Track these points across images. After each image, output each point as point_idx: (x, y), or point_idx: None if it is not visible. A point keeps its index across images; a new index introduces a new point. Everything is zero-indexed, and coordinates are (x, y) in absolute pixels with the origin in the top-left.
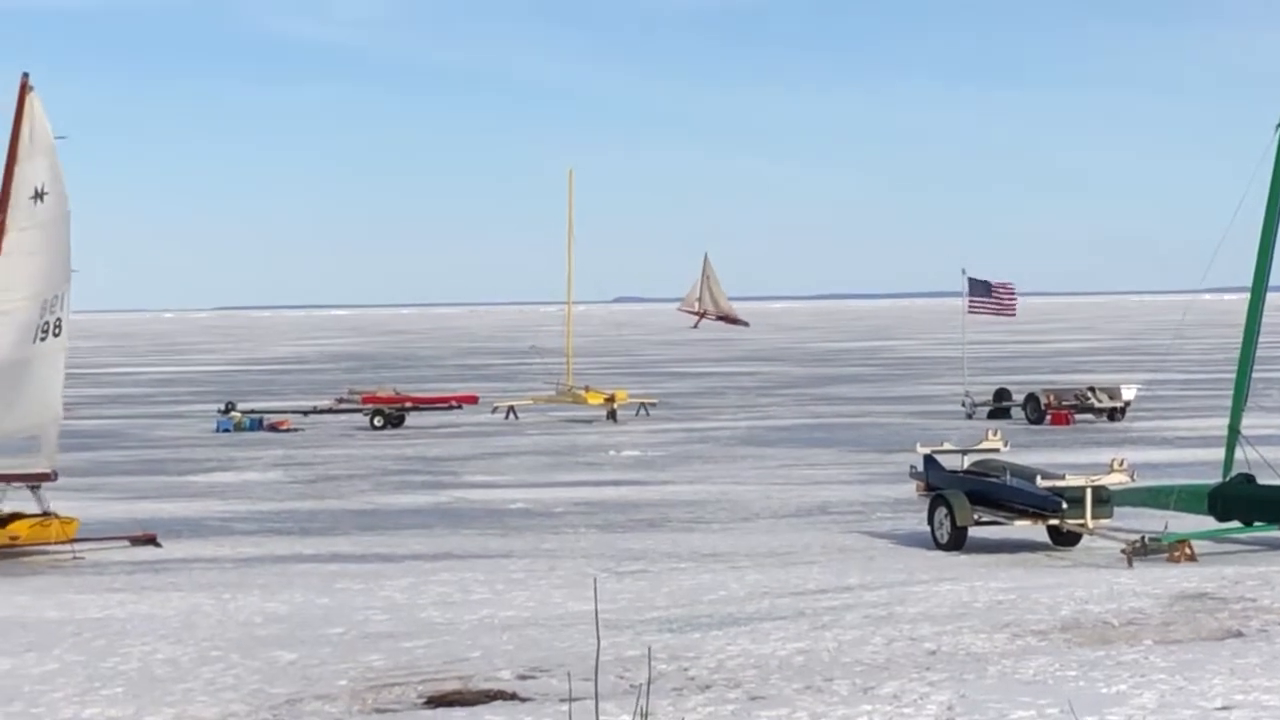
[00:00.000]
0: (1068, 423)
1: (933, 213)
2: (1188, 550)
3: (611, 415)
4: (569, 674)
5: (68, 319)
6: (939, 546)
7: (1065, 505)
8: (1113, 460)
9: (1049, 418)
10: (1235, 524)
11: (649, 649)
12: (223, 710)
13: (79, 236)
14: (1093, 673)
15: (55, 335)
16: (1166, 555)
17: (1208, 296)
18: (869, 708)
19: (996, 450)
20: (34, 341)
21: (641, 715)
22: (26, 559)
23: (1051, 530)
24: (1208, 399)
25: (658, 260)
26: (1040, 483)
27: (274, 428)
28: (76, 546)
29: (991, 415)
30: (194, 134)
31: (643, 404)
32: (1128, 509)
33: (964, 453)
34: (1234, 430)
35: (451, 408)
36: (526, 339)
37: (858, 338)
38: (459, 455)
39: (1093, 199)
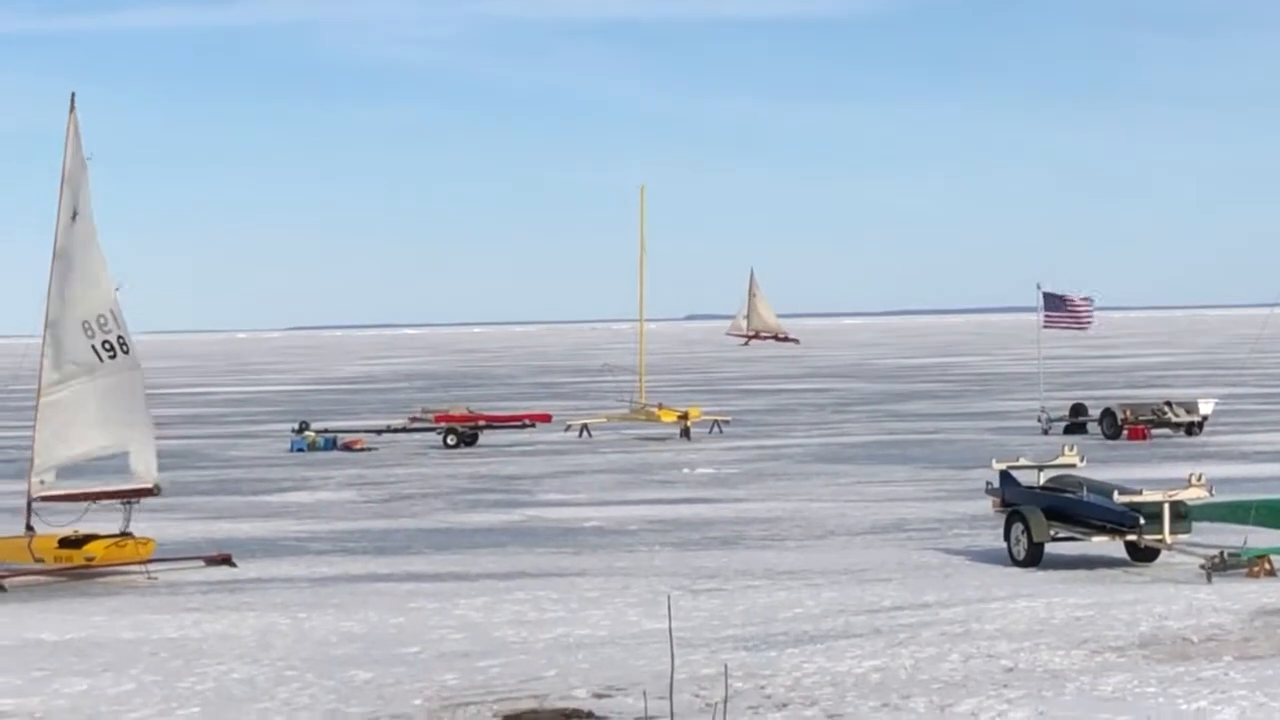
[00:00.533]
0: (1145, 438)
1: (1008, 227)
2: (1267, 565)
3: (685, 433)
4: (644, 692)
5: (129, 336)
6: (1015, 563)
7: (1143, 521)
8: (1190, 475)
9: (1126, 433)
10: None
11: (725, 667)
12: None
13: (153, 258)
14: (1172, 689)
15: (125, 353)
16: (1246, 570)
17: None
18: None
19: (1073, 465)
20: (101, 360)
21: None
22: (103, 579)
23: (1129, 546)
24: None
25: (730, 277)
26: (1117, 498)
27: (347, 447)
28: (152, 567)
29: (1067, 430)
30: (266, 156)
31: (716, 421)
32: (1206, 524)
33: (1040, 468)
34: None
35: (525, 426)
36: (599, 357)
37: (931, 354)
38: (532, 474)
39: (1170, 212)
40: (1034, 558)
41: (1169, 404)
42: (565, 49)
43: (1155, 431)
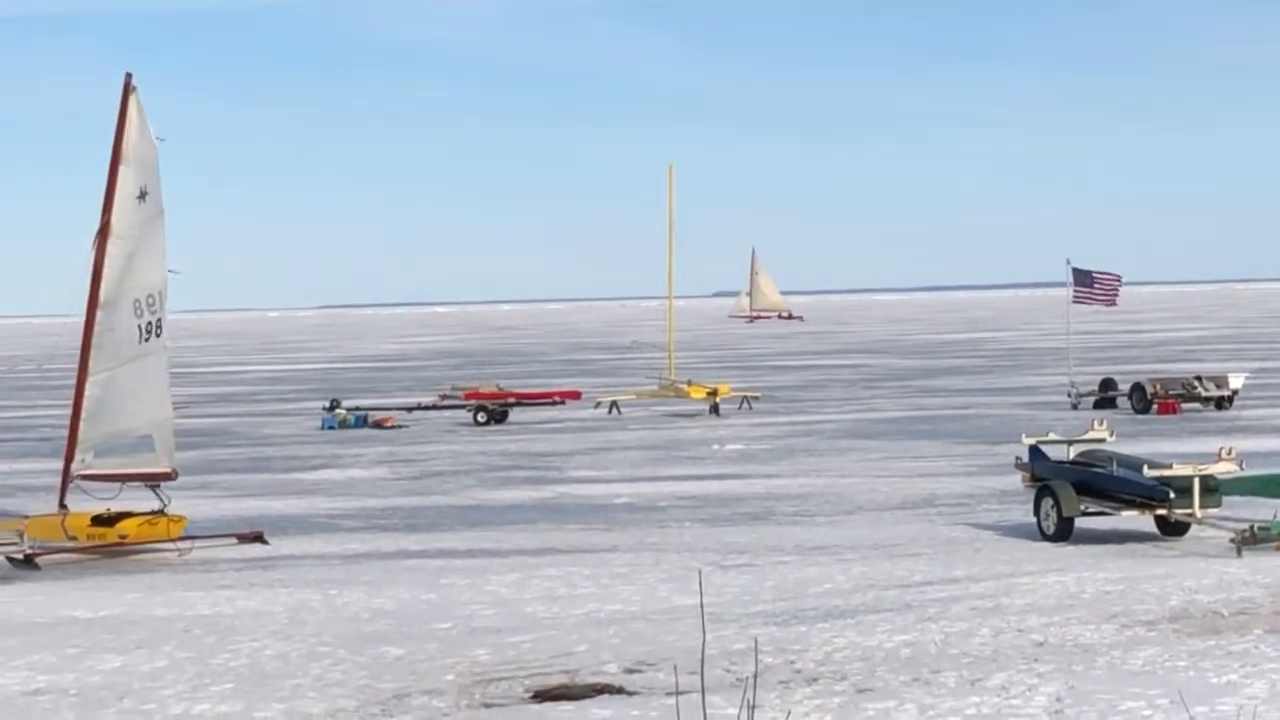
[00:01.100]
0: (1175, 412)
1: (1038, 203)
2: None
3: (715, 409)
4: (675, 667)
5: (166, 319)
6: (1045, 537)
7: (1173, 495)
8: (1221, 449)
9: (1155, 407)
10: None
11: (755, 642)
12: (331, 705)
13: (187, 237)
14: (1203, 663)
15: (158, 335)
16: (1276, 544)
17: None
18: (977, 699)
19: (1102, 440)
20: (140, 342)
21: (748, 708)
22: (136, 557)
23: (1159, 520)
24: None
25: (767, 253)
26: (1147, 472)
27: (378, 425)
28: (184, 544)
29: (1097, 405)
30: (298, 134)
31: (746, 398)
32: (1236, 498)
33: (1070, 443)
34: None
35: (554, 403)
36: (628, 334)
37: (961, 329)
38: (563, 450)
39: (1201, 186)
40: (1064, 532)
41: (1199, 378)
42: (595, 26)
43: (1185, 406)
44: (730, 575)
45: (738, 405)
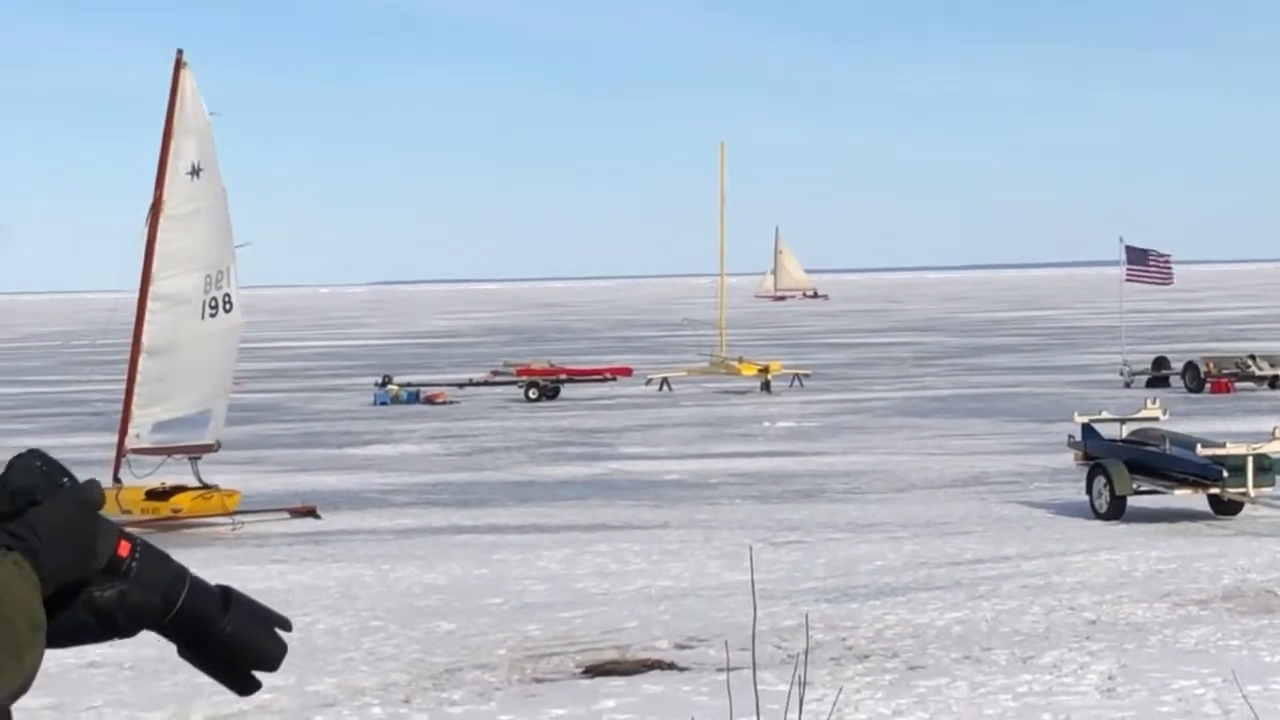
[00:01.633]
0: (1228, 391)
1: (1091, 181)
2: None
3: (765, 386)
4: (726, 643)
5: (236, 295)
6: (1098, 516)
7: (1226, 474)
8: (1275, 428)
9: (1209, 386)
10: None
11: (806, 618)
12: (383, 679)
13: (239, 213)
14: (1255, 642)
15: (226, 311)
16: None
17: None
18: (1028, 677)
19: (1155, 419)
20: (202, 318)
21: (799, 684)
22: (189, 531)
23: (1212, 499)
24: None
25: (810, 232)
26: (1200, 451)
27: (430, 400)
28: (237, 518)
29: (1150, 384)
30: (349, 111)
31: (797, 375)
32: None
33: (1122, 421)
34: None
35: (606, 379)
36: (680, 311)
37: (1013, 308)
38: (614, 427)
39: (1255, 163)
40: (1116, 511)
41: (1253, 357)
42: (647, 2)
43: (1239, 385)
44: (781, 552)
45: (789, 382)
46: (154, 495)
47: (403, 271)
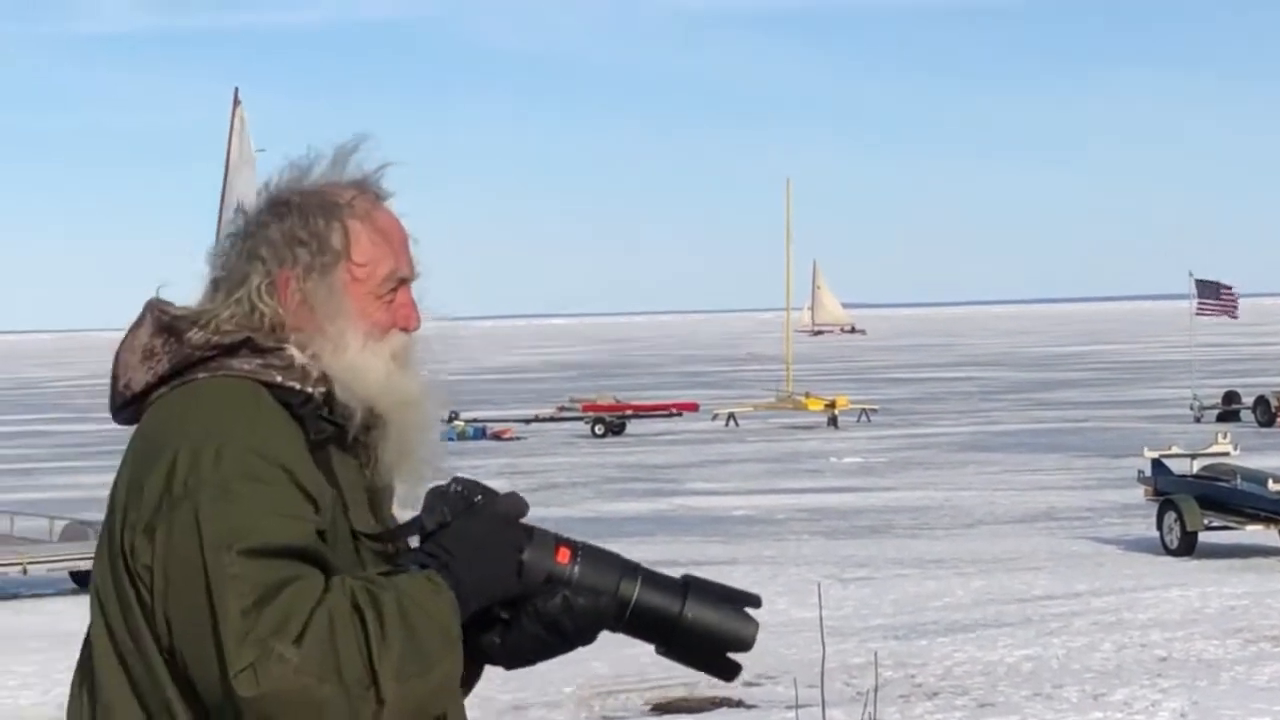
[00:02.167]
0: None
1: (1155, 213)
2: None
3: (832, 421)
4: (795, 680)
5: None
6: (1168, 552)
7: None
8: None
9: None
10: None
11: (875, 655)
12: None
13: None
14: None
15: None
16: None
17: None
18: (1100, 715)
19: (1226, 454)
20: None
21: None
22: None
23: None
24: None
25: (877, 266)
26: (1272, 486)
27: (496, 436)
28: None
29: (1220, 418)
30: (414, 146)
31: (864, 410)
32: None
33: (1193, 456)
34: None
35: (672, 415)
36: (745, 346)
37: (1081, 341)
38: (680, 462)
39: None
40: (1187, 547)
41: None
42: (717, 37)
43: None
44: (849, 588)
45: (855, 417)
46: None
47: (469, 307)
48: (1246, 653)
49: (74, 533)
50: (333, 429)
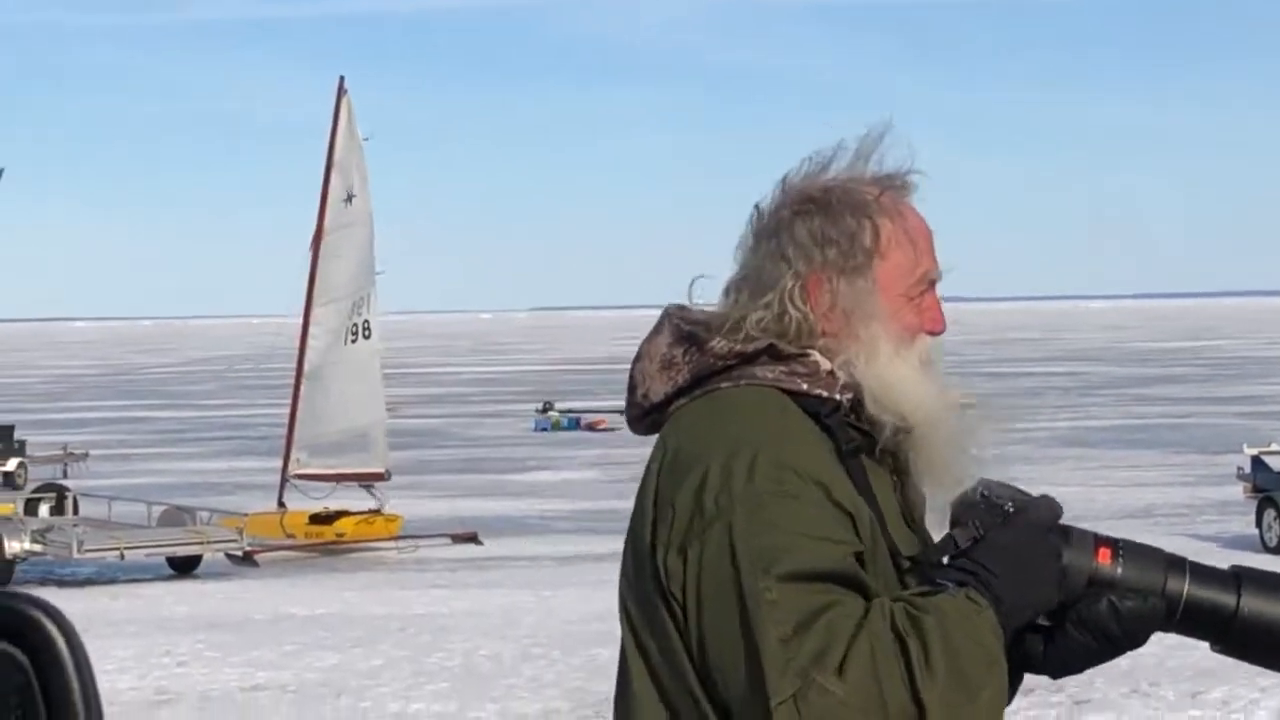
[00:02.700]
0: None
1: (1263, 208)
2: None
3: None
4: None
5: (375, 321)
6: (1268, 550)
7: None
8: None
9: None
10: None
11: None
12: (545, 706)
13: (399, 239)
14: None
15: (365, 338)
16: None
17: None
18: (1197, 713)
19: None
20: (345, 344)
21: None
22: (353, 555)
23: None
24: None
25: (972, 260)
26: None
27: (591, 427)
28: (400, 543)
29: None
30: (510, 137)
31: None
32: None
33: None
34: None
35: None
36: None
37: (1182, 337)
38: None
39: None
40: None
41: None
42: (803, 31)
43: None
44: None
45: None
46: (317, 519)
47: (565, 297)
48: None
49: (171, 518)
50: (862, 438)
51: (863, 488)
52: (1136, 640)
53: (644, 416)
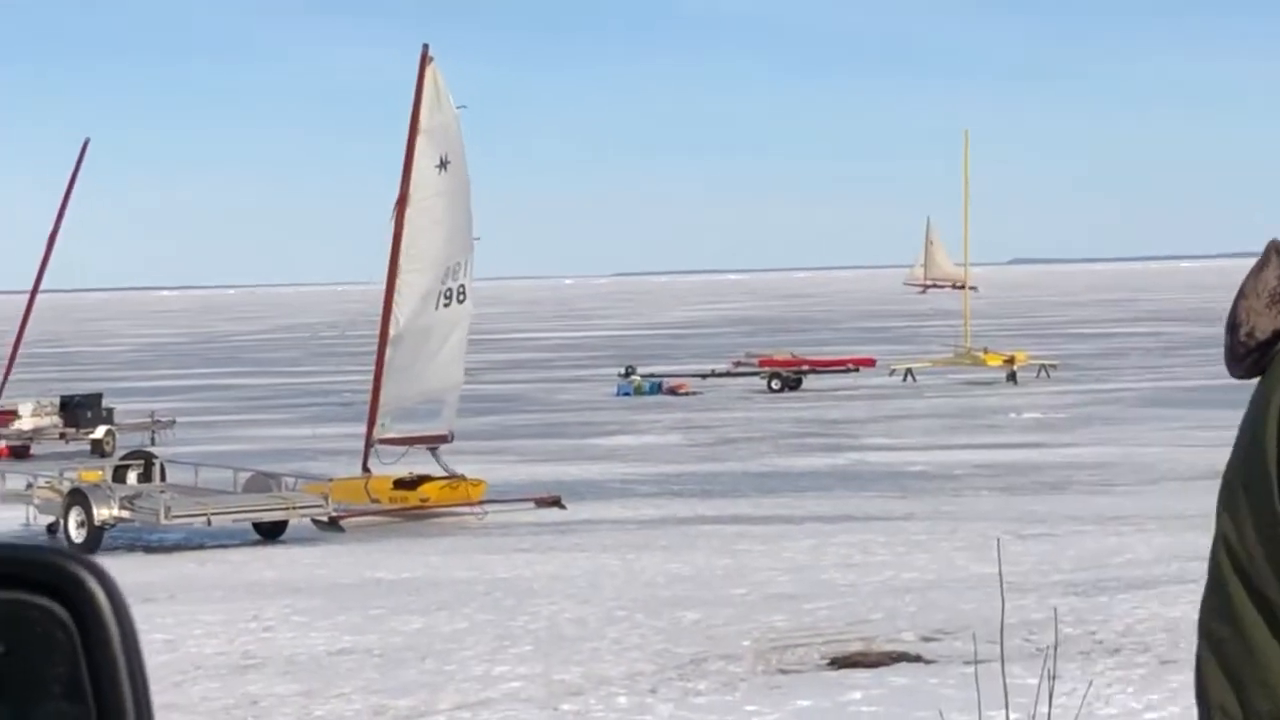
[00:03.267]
0: None
1: None
2: None
3: (1011, 377)
4: (973, 636)
5: (470, 286)
6: None
7: None
8: None
9: None
10: None
11: (1055, 611)
12: (629, 669)
13: (483, 205)
14: None
15: (460, 302)
16: None
17: None
18: None
19: None
20: (436, 308)
21: (1049, 678)
22: (436, 520)
23: None
24: None
25: (1056, 221)
26: None
27: (672, 391)
28: (484, 508)
29: None
30: (593, 104)
31: (1043, 365)
32: None
33: None
34: None
35: (849, 370)
36: (921, 302)
37: None
38: (857, 418)
39: None
40: None
41: None
42: None
43: None
44: (1028, 544)
45: (1035, 373)
46: (402, 484)
47: (646, 262)
48: None
49: (257, 484)
50: None
51: None
52: None
53: (1246, 356)
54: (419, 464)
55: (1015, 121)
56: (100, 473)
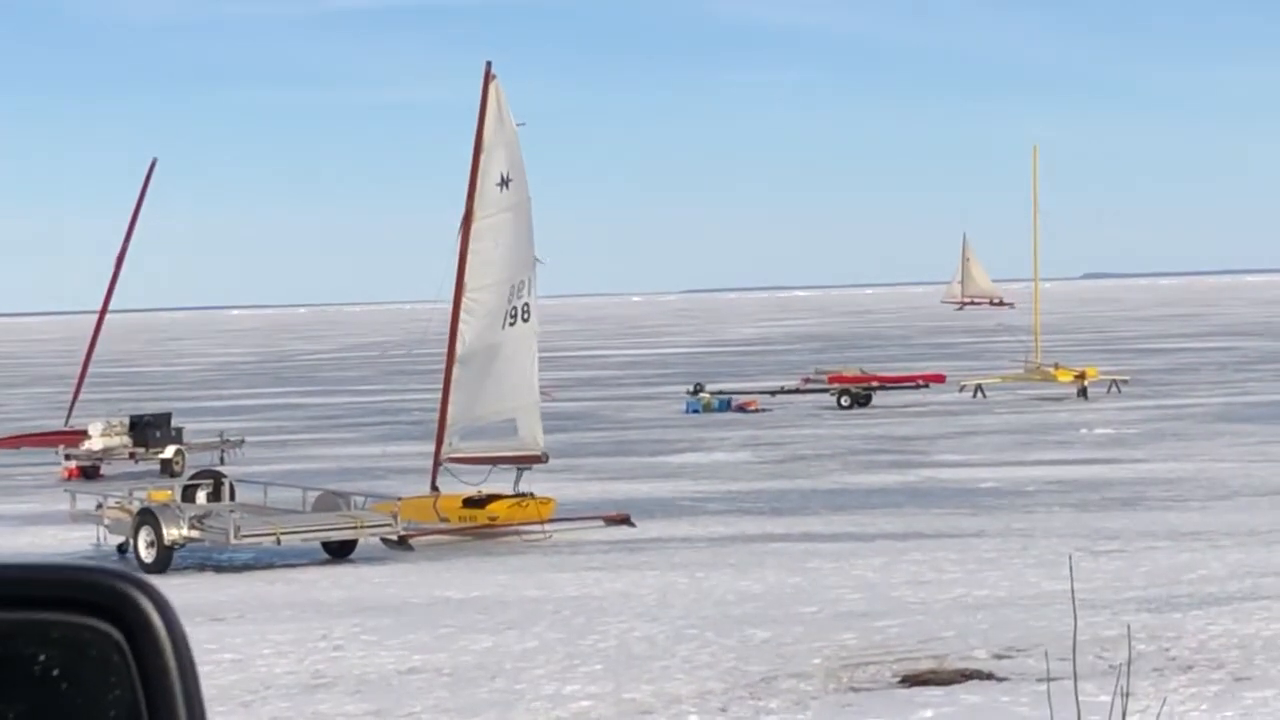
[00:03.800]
0: None
1: None
2: None
3: (1082, 393)
4: (1046, 654)
5: (535, 304)
6: None
7: None
8: None
9: None
10: None
11: (1128, 628)
12: (699, 687)
13: (550, 222)
14: None
15: (525, 320)
16: None
17: None
18: None
19: None
20: (503, 327)
21: (1122, 695)
22: (506, 538)
23: None
24: None
25: (1128, 236)
26: None
27: (742, 408)
28: (552, 526)
29: None
30: (656, 119)
31: (1114, 381)
32: None
33: None
34: None
35: (918, 387)
36: (993, 317)
37: None
38: (927, 434)
39: None
40: None
41: None
42: (949, 5)
43: None
44: (1101, 561)
45: (1106, 388)
46: (471, 503)
47: (715, 279)
48: None
49: (326, 503)
50: None
51: None
52: None
53: None
54: (492, 482)
55: (1079, 137)
56: (170, 492)
